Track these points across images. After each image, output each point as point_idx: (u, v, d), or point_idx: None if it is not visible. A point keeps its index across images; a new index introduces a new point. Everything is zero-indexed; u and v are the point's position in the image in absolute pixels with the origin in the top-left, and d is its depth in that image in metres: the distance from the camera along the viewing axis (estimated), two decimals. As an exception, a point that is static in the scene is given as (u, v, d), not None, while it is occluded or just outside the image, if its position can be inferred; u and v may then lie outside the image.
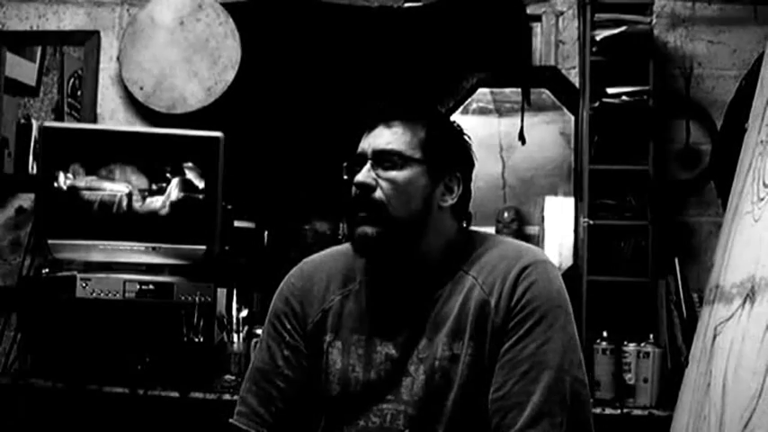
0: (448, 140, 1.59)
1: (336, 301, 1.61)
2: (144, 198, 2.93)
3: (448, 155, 1.58)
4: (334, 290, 1.62)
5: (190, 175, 2.94)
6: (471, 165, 1.64)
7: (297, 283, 1.66)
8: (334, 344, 1.58)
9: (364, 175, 1.52)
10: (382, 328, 1.55)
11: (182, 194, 2.93)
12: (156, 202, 2.94)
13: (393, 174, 1.52)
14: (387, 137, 1.53)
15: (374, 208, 1.51)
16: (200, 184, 2.94)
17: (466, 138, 1.63)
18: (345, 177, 1.57)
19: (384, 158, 1.53)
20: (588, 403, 1.49)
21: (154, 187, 2.94)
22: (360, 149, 1.56)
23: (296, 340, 1.61)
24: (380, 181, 1.52)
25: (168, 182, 2.93)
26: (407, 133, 1.54)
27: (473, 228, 1.65)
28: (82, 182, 2.91)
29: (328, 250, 1.71)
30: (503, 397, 1.44)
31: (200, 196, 2.93)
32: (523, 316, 1.47)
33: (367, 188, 1.51)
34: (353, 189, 1.53)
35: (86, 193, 2.91)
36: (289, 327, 1.62)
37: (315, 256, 1.71)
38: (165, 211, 2.93)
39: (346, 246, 1.68)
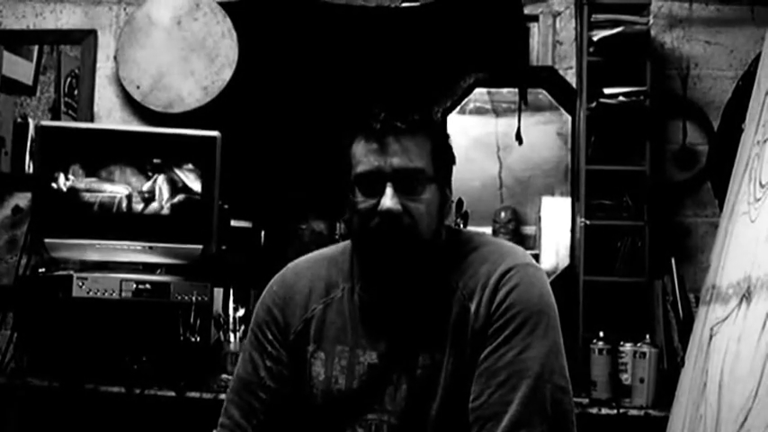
0: (448, 149, 1.53)
1: (318, 310, 1.57)
2: (142, 198, 2.93)
3: (449, 164, 1.53)
4: (316, 298, 1.58)
5: (184, 173, 2.94)
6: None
7: (279, 291, 1.62)
8: (317, 354, 1.54)
9: (393, 201, 1.41)
10: (365, 336, 1.51)
11: (175, 193, 2.93)
12: (152, 202, 2.93)
13: (420, 197, 1.43)
14: (404, 154, 1.42)
15: (404, 234, 1.43)
16: (196, 183, 2.94)
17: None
18: (357, 199, 1.45)
19: (407, 179, 1.43)
20: (571, 412, 1.42)
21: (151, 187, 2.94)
22: (372, 167, 1.43)
23: (278, 351, 1.57)
24: (408, 206, 1.42)
25: (156, 181, 2.93)
26: (420, 147, 1.44)
27: (460, 228, 1.61)
28: (81, 183, 2.91)
29: (313, 254, 1.67)
30: (481, 407, 1.39)
31: (197, 196, 2.93)
32: (503, 322, 1.42)
33: (396, 216, 1.41)
34: (376, 217, 1.42)
35: (86, 195, 2.91)
36: (270, 337, 1.59)
37: (298, 260, 1.67)
38: (161, 211, 2.93)
39: (332, 249, 1.65)
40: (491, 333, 1.42)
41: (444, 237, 1.53)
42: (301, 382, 1.55)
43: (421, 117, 1.47)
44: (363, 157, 1.44)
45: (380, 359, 1.50)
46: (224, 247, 3.02)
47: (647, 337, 2.72)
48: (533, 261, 1.52)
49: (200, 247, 2.89)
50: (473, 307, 1.45)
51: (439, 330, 1.46)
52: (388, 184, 1.42)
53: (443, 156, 1.50)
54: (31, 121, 3.34)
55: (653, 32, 3.05)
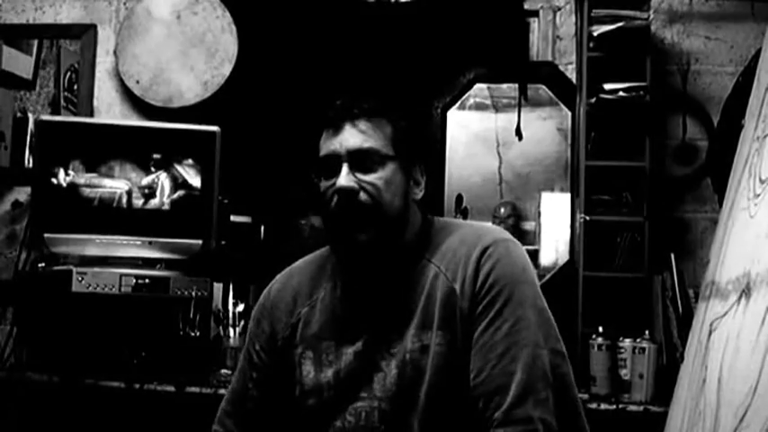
0: (413, 133, 1.58)
1: (304, 313, 1.61)
2: (142, 194, 2.93)
3: (414, 147, 1.57)
4: (301, 303, 1.62)
5: (184, 169, 2.94)
6: (430, 153, 1.64)
7: (266, 303, 1.68)
8: (306, 354, 1.58)
9: (347, 179, 1.47)
10: (349, 326, 1.55)
11: (175, 189, 2.93)
12: (152, 198, 2.93)
13: (375, 174, 1.48)
14: (359, 136, 1.49)
15: (363, 212, 1.47)
16: (197, 179, 2.93)
17: (426, 125, 1.62)
18: (319, 183, 1.52)
19: (361, 159, 1.48)
20: (569, 374, 1.48)
21: (151, 182, 2.94)
22: (329, 151, 1.50)
23: (263, 362, 1.63)
24: (363, 183, 1.48)
25: (158, 176, 2.93)
26: (377, 130, 1.50)
27: (435, 217, 1.64)
28: (81, 179, 2.90)
29: (299, 261, 1.71)
30: (483, 381, 1.42)
31: (197, 191, 2.93)
32: (491, 298, 1.45)
33: (352, 193, 1.47)
34: (335, 196, 1.48)
35: (86, 190, 2.90)
36: (257, 348, 1.64)
37: (286, 270, 1.71)
38: (161, 206, 2.93)
39: (316, 253, 1.69)
40: (481, 310, 1.46)
41: (419, 226, 1.57)
42: (293, 385, 1.59)
43: (376, 101, 1.53)
44: (323, 144, 1.52)
45: (365, 346, 1.52)
46: (224, 243, 3.02)
47: (647, 332, 2.72)
48: (510, 236, 1.56)
49: (200, 242, 2.89)
50: (458, 287, 1.48)
51: (426, 314, 1.49)
52: (344, 165, 1.48)
53: (408, 139, 1.55)
54: (30, 115, 3.34)
55: (653, 28, 3.04)
